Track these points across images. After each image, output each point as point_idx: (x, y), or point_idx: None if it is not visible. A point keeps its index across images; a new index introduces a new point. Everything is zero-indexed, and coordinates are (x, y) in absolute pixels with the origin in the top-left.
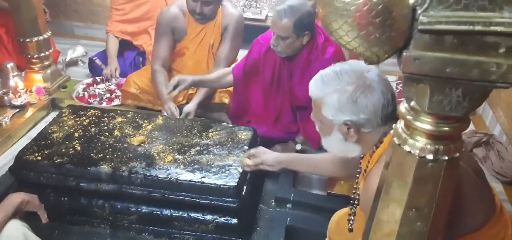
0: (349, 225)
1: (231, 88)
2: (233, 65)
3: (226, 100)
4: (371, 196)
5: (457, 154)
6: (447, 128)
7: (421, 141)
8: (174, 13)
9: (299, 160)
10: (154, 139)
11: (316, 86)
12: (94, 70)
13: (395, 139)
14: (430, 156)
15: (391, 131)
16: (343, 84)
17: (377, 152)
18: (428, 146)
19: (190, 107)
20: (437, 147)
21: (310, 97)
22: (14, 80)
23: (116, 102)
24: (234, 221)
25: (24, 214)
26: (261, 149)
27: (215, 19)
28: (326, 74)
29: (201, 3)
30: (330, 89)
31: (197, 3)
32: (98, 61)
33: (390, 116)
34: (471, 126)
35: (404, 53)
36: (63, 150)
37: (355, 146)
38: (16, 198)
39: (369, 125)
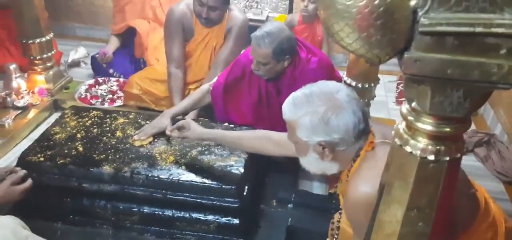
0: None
1: None
2: (211, 82)
3: None
4: (352, 205)
5: (459, 155)
6: (448, 129)
7: (422, 142)
8: (183, 11)
9: (223, 137)
10: (156, 140)
11: (289, 109)
12: (97, 68)
13: (396, 140)
14: (431, 157)
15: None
16: (314, 106)
17: (355, 165)
18: (430, 147)
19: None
20: (438, 147)
21: None
22: (17, 82)
23: (118, 103)
24: (236, 221)
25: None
26: (190, 124)
27: (221, 23)
28: (297, 97)
29: (208, 8)
30: (302, 111)
31: (203, 7)
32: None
33: (362, 132)
34: (472, 126)
35: (405, 55)
36: (66, 151)
37: (332, 164)
38: None
39: (343, 144)
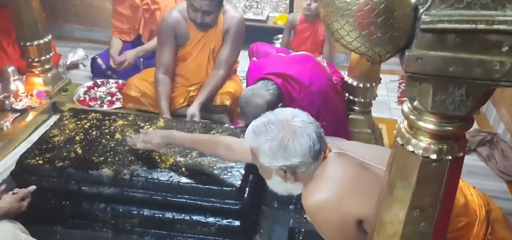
0: None
1: (232, 90)
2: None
3: (227, 102)
4: (311, 215)
5: (461, 154)
6: (450, 128)
7: (424, 141)
8: (176, 18)
9: (182, 140)
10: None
11: (250, 137)
12: (96, 69)
13: (398, 139)
14: (433, 156)
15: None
16: (272, 134)
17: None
18: (432, 146)
19: (194, 109)
20: (440, 146)
21: None
22: (15, 84)
23: (117, 105)
24: (237, 223)
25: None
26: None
27: (216, 25)
28: (257, 125)
29: (202, 13)
30: (262, 139)
31: (197, 13)
32: (99, 60)
33: (319, 152)
34: (475, 125)
35: (407, 53)
36: (65, 153)
37: (296, 185)
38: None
39: (302, 166)
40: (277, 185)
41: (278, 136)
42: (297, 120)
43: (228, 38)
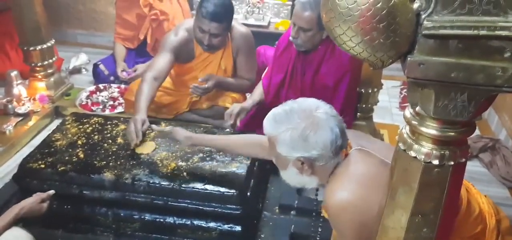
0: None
1: (235, 95)
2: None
3: (229, 105)
4: (332, 213)
5: (463, 160)
6: (452, 133)
7: (426, 147)
8: (182, 38)
9: (212, 142)
10: (157, 146)
11: (269, 124)
12: (98, 76)
13: (400, 144)
14: (436, 162)
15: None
16: (293, 123)
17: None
18: (434, 151)
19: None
20: (442, 152)
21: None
22: (18, 88)
23: (119, 109)
24: (238, 228)
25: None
26: (176, 129)
27: (225, 46)
28: (278, 113)
29: (210, 35)
30: (282, 128)
31: (205, 34)
32: (102, 67)
33: (340, 148)
34: (477, 131)
35: (409, 58)
36: (67, 158)
37: (312, 178)
38: (15, 207)
39: (321, 159)
40: (292, 176)
41: (300, 126)
42: (320, 112)
43: (241, 58)
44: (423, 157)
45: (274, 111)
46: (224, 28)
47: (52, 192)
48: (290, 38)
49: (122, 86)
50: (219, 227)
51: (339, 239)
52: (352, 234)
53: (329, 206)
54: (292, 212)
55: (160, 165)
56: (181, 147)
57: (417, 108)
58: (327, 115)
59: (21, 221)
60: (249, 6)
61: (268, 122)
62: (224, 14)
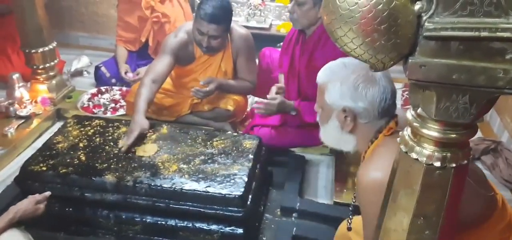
0: (348, 224)
1: (237, 97)
2: None
3: (231, 107)
4: (362, 189)
5: (465, 162)
6: (454, 135)
7: (428, 149)
8: (182, 40)
9: None
10: (158, 149)
11: (324, 72)
12: (100, 78)
13: (402, 146)
14: (437, 164)
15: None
16: (348, 72)
17: (370, 148)
18: (436, 154)
19: (213, 79)
20: (444, 154)
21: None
22: (20, 91)
23: (121, 112)
24: (240, 231)
25: (30, 222)
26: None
27: (224, 48)
28: (335, 63)
29: (208, 37)
30: (335, 76)
31: (204, 36)
32: (104, 69)
33: (386, 111)
34: (479, 133)
35: (410, 60)
36: (68, 160)
37: (351, 137)
38: (10, 211)
39: (365, 115)
40: (331, 131)
41: (353, 75)
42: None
43: (241, 60)
44: (424, 159)
45: (331, 62)
46: (223, 30)
47: (48, 193)
48: (288, 12)
49: (124, 88)
50: (221, 230)
51: (362, 218)
52: (372, 217)
53: (360, 181)
54: (293, 214)
55: (162, 167)
56: (182, 149)
57: (419, 110)
58: (383, 74)
59: (22, 223)
60: (250, 9)
61: (323, 70)
62: (223, 16)
